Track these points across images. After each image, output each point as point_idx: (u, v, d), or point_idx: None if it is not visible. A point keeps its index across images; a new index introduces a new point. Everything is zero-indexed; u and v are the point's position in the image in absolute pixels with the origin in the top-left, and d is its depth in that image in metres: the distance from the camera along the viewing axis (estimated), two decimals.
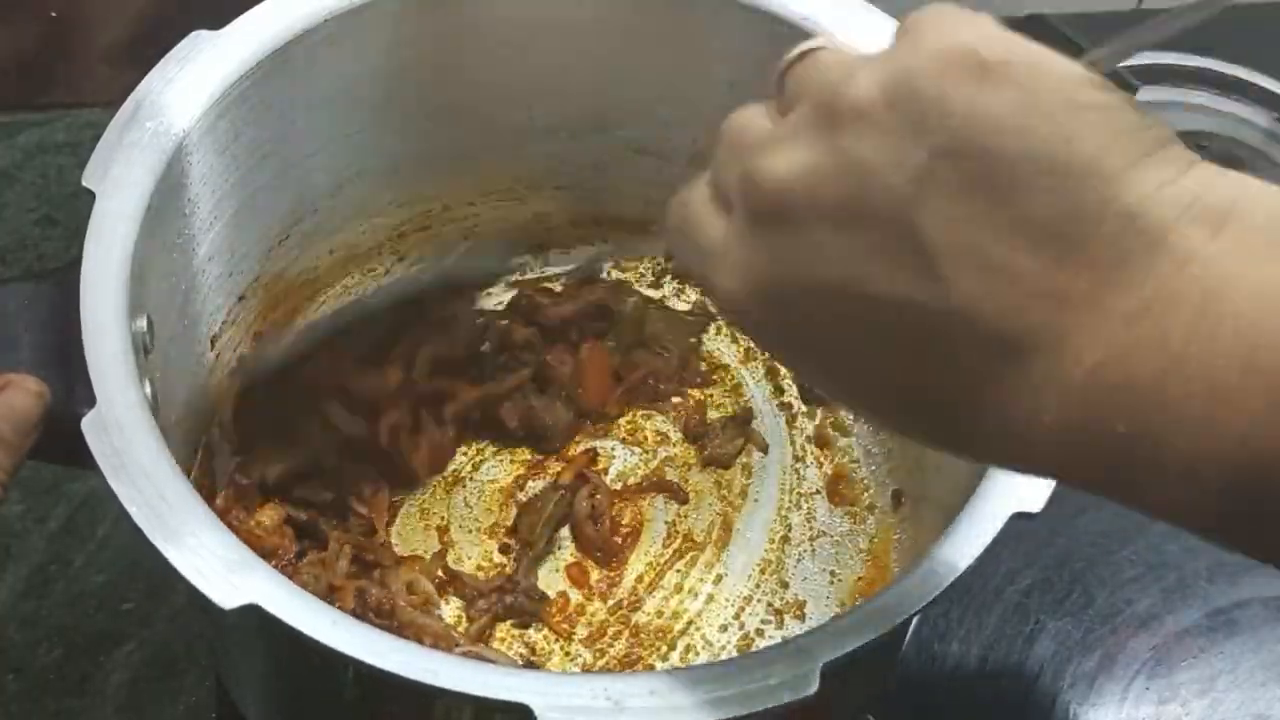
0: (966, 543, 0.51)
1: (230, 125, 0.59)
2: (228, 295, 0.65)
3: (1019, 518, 0.51)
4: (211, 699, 0.66)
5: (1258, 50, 0.88)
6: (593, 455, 0.71)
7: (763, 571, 0.68)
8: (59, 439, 0.49)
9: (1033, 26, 0.93)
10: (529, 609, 0.65)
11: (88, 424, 0.48)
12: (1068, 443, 0.35)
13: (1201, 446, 0.33)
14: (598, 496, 0.68)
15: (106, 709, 0.66)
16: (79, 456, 0.48)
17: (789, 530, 0.69)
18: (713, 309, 0.72)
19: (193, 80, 0.57)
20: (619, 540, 0.68)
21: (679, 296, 0.76)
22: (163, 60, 0.57)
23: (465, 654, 0.60)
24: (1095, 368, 0.34)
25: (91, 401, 0.49)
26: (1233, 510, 0.33)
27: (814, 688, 0.46)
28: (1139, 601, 0.72)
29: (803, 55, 0.40)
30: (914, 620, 0.50)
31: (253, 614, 0.45)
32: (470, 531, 0.68)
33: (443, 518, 0.68)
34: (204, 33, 0.58)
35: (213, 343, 0.65)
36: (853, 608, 0.50)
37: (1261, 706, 0.69)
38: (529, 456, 0.70)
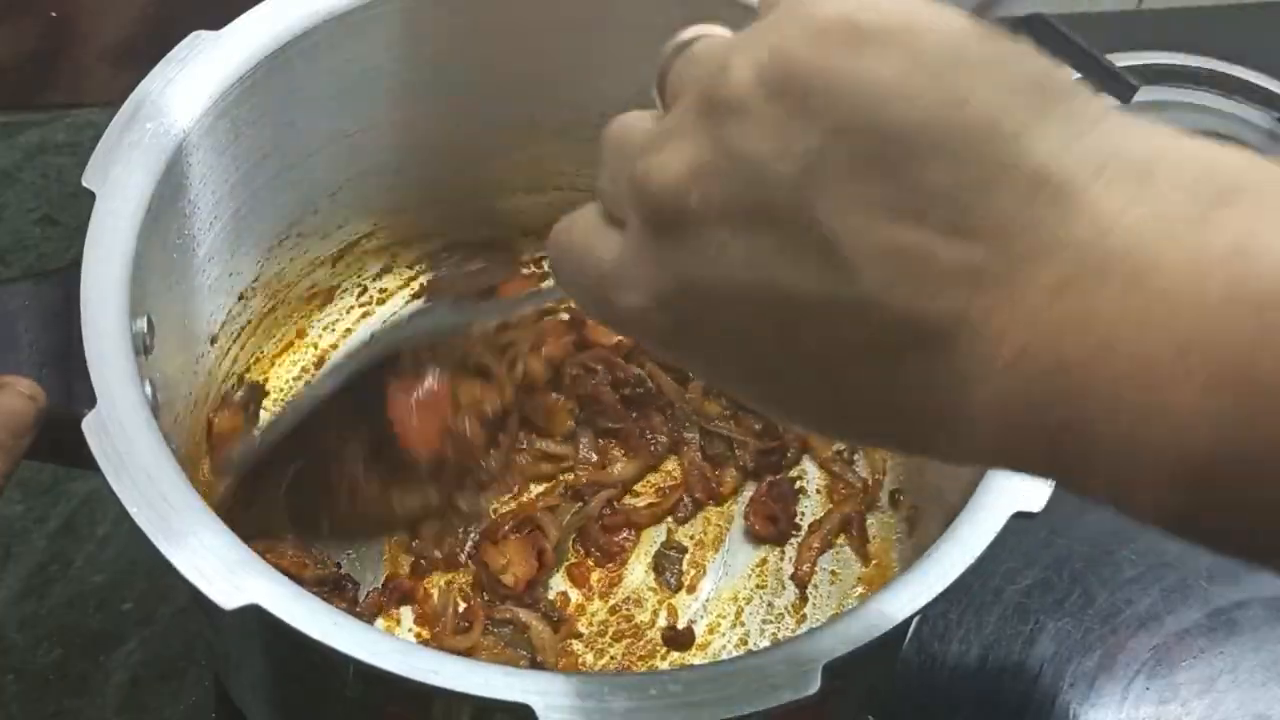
0: (967, 542, 0.51)
1: (230, 126, 0.59)
2: (228, 295, 0.65)
3: (1019, 517, 0.51)
4: (211, 699, 0.66)
5: (1258, 50, 0.88)
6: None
7: (763, 571, 0.68)
8: (59, 439, 0.49)
9: (1033, 26, 0.94)
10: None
11: (88, 424, 0.48)
12: (1004, 433, 0.32)
13: (1139, 435, 0.30)
14: (615, 503, 0.68)
15: (106, 709, 0.65)
16: (79, 457, 0.48)
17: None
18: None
19: (193, 81, 0.57)
20: (620, 540, 0.67)
21: None
22: (162, 61, 0.57)
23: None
24: (1020, 352, 0.31)
25: (92, 401, 0.49)
26: (1185, 502, 0.30)
27: (816, 687, 0.46)
28: (1139, 601, 0.72)
29: (678, 49, 0.37)
30: (914, 620, 0.50)
31: (253, 614, 0.45)
32: None
33: None
34: (204, 33, 0.58)
35: (213, 342, 0.65)
36: (853, 608, 0.50)
37: (1261, 706, 0.69)
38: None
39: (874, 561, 0.67)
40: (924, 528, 0.64)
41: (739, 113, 0.33)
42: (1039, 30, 0.91)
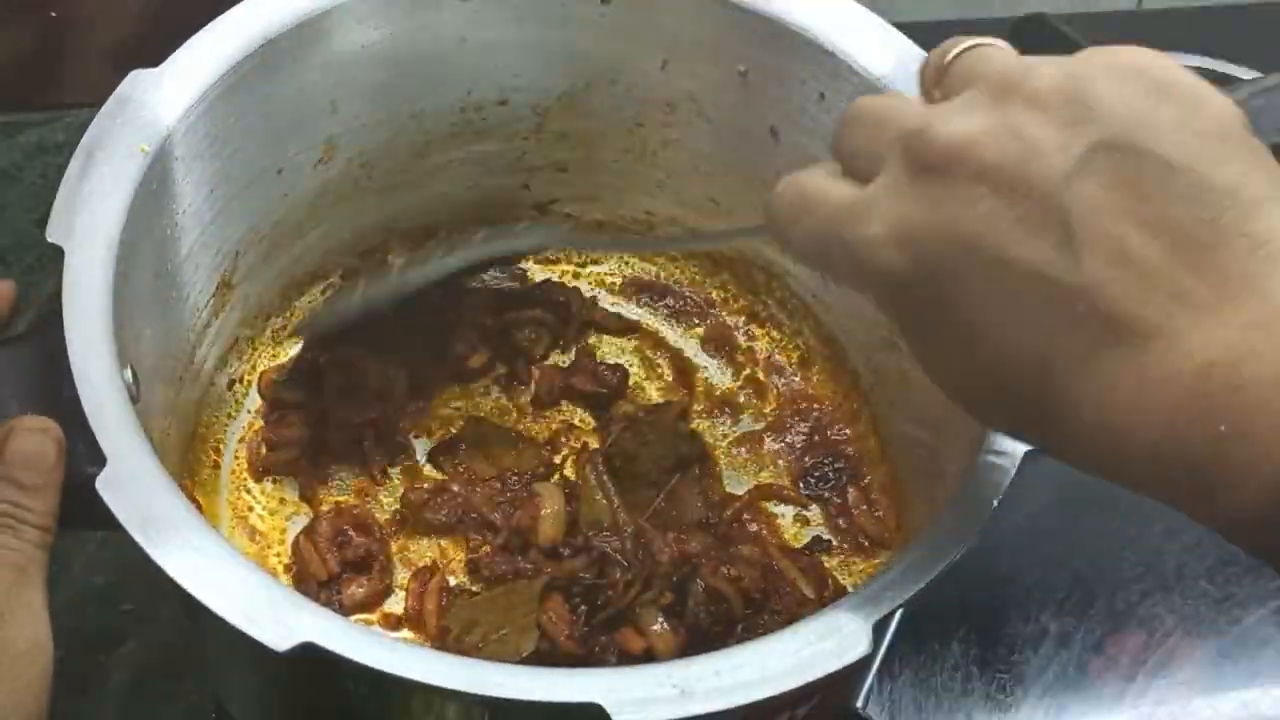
0: (986, 486, 0.52)
1: (183, 159, 0.59)
2: (210, 313, 0.66)
3: (1032, 455, 0.52)
4: (211, 699, 0.66)
5: (1258, 50, 0.88)
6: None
7: None
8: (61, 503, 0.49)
9: (1032, 25, 0.94)
10: None
11: (103, 483, 0.47)
12: (1162, 439, 0.37)
13: None
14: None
15: (107, 709, 0.66)
16: (82, 518, 0.48)
17: None
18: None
19: (141, 121, 0.57)
20: None
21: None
22: (108, 100, 0.57)
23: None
24: (1206, 366, 0.37)
25: (92, 459, 0.48)
26: None
27: (870, 647, 0.47)
28: (1139, 602, 0.72)
29: (968, 49, 0.44)
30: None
31: (310, 653, 0.45)
32: None
33: None
34: (143, 73, 0.58)
35: (194, 358, 0.65)
36: (888, 565, 0.51)
37: (1263, 707, 0.69)
38: None
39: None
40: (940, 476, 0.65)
41: (1034, 104, 0.40)
42: (1039, 30, 0.91)
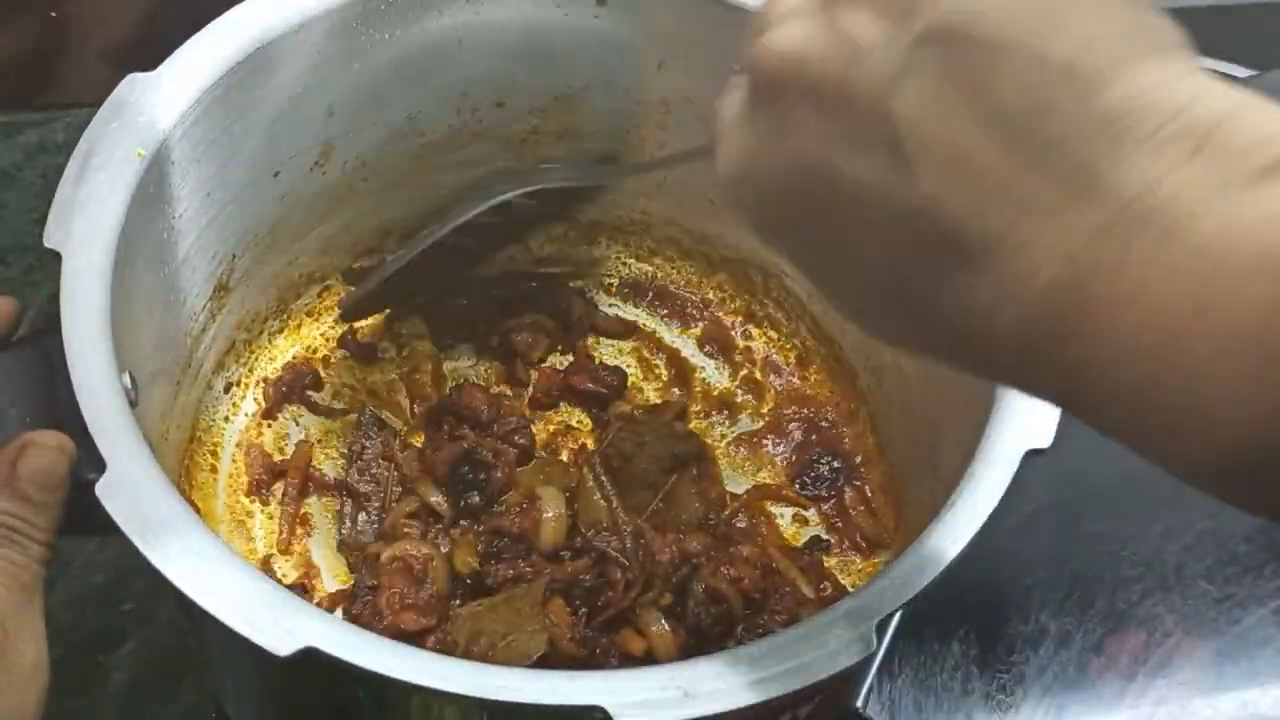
0: (986, 486, 0.52)
1: (179, 163, 0.59)
2: (207, 318, 0.66)
3: (1032, 454, 0.52)
4: (211, 700, 0.66)
5: (1258, 50, 0.88)
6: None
7: None
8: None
9: None
10: None
11: (103, 489, 0.47)
12: (1024, 359, 0.34)
13: (1149, 388, 0.32)
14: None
15: (106, 709, 0.66)
16: (83, 523, 0.48)
17: None
18: None
19: (137, 124, 0.57)
20: None
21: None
22: (103, 106, 0.57)
23: None
24: (1050, 285, 0.33)
25: (92, 465, 0.48)
26: (1204, 455, 0.32)
27: (872, 646, 0.47)
28: (1139, 602, 0.71)
29: None
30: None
31: (311, 657, 0.45)
32: None
33: None
34: (139, 76, 0.58)
35: (191, 361, 0.65)
36: (889, 565, 0.51)
37: (1263, 707, 0.69)
38: None
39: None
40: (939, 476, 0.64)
41: (861, 2, 0.35)
42: None
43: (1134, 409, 0.33)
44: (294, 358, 0.71)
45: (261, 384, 0.70)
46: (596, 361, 0.73)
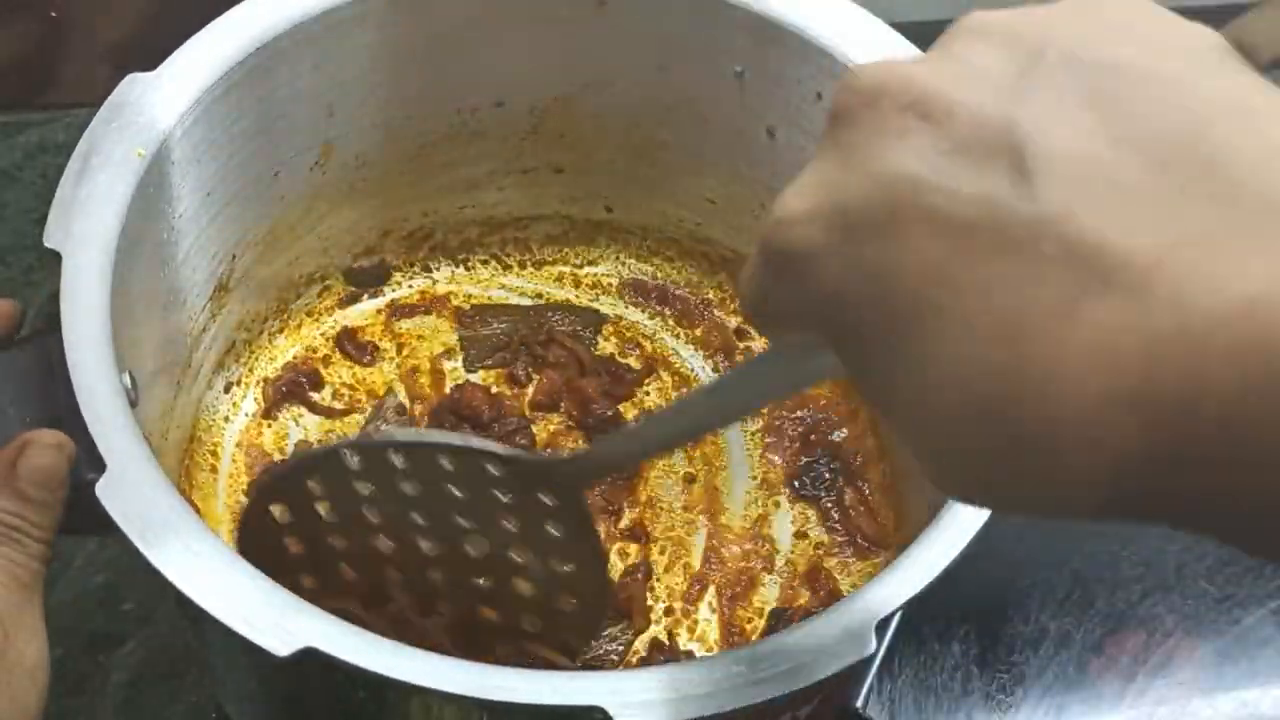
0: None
1: (181, 161, 0.59)
2: (207, 316, 0.66)
3: None
4: (211, 700, 0.66)
5: None
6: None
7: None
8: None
9: None
10: None
11: (102, 489, 0.47)
12: (1140, 416, 0.28)
13: None
14: None
15: (106, 709, 0.66)
16: (81, 523, 0.48)
17: None
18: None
19: (138, 124, 0.57)
20: None
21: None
22: (103, 106, 0.57)
23: None
24: (1248, 303, 0.27)
25: (92, 465, 0.48)
26: None
27: (872, 647, 0.47)
28: (1139, 602, 0.72)
29: None
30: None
31: (311, 657, 0.45)
32: None
33: None
34: (140, 76, 0.58)
35: (191, 361, 0.65)
36: (889, 565, 0.51)
37: (1263, 707, 0.69)
38: None
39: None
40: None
41: (978, 34, 0.32)
42: None
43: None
44: (294, 358, 0.71)
45: (261, 384, 0.70)
46: (596, 362, 0.73)
